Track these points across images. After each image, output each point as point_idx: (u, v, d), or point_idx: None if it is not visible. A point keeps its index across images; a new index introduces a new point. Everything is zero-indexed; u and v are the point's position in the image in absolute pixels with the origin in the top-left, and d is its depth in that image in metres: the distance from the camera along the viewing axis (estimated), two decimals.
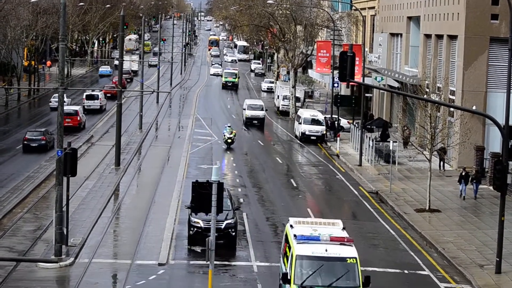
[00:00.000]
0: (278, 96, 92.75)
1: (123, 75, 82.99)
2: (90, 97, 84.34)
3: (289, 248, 27.91)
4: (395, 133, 68.00)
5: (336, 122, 71.29)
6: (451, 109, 54.09)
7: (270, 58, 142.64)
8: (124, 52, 76.63)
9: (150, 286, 31.66)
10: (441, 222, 42.51)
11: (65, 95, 36.29)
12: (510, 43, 34.59)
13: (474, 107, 51.92)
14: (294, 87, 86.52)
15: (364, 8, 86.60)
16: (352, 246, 27.32)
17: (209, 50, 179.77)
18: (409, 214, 44.29)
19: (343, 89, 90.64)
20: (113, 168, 55.06)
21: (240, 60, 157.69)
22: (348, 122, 73.79)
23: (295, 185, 52.56)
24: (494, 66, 55.85)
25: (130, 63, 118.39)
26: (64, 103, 37.14)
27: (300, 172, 57.13)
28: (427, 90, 50.55)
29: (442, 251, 37.23)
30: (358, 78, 62.94)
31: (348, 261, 26.58)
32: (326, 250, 26.74)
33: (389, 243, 39.24)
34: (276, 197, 48.57)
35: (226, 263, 34.70)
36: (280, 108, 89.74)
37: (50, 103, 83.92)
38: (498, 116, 40.79)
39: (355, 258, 26.71)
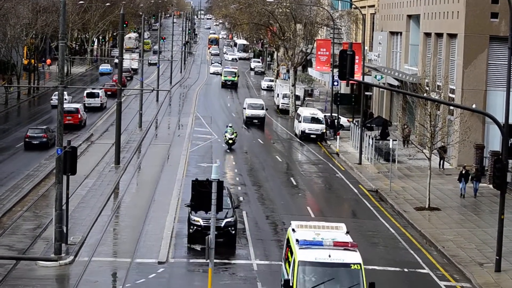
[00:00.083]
0: (277, 94, 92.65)
1: (123, 73, 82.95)
2: (90, 95, 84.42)
3: (291, 253, 27.01)
4: (395, 131, 68.00)
5: (336, 121, 71.32)
6: (451, 107, 54.08)
7: (270, 56, 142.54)
8: (124, 51, 76.59)
9: (150, 285, 31.63)
10: (441, 221, 42.49)
11: (65, 92, 36.28)
12: (510, 41, 34.56)
13: (474, 106, 51.93)
14: (294, 85, 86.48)
15: (364, 7, 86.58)
16: (356, 251, 26.32)
17: (209, 48, 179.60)
18: (409, 212, 44.29)
19: (343, 88, 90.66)
20: (113, 167, 55.04)
21: (240, 59, 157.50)
22: (348, 120, 73.74)
23: (295, 183, 52.55)
24: (494, 64, 55.83)
25: (130, 61, 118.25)
26: (65, 101, 37.21)
27: (300, 171, 57.12)
28: (427, 88, 50.53)
29: (442, 249, 37.21)
30: (358, 76, 62.91)
31: (352, 267, 25.62)
32: (330, 256, 25.76)
33: (389, 242, 39.22)
34: (276, 196, 48.54)
35: (226, 261, 34.68)
36: (280, 107, 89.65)
37: (51, 101, 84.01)
38: (498, 115, 40.77)
39: (360, 264, 25.71)
